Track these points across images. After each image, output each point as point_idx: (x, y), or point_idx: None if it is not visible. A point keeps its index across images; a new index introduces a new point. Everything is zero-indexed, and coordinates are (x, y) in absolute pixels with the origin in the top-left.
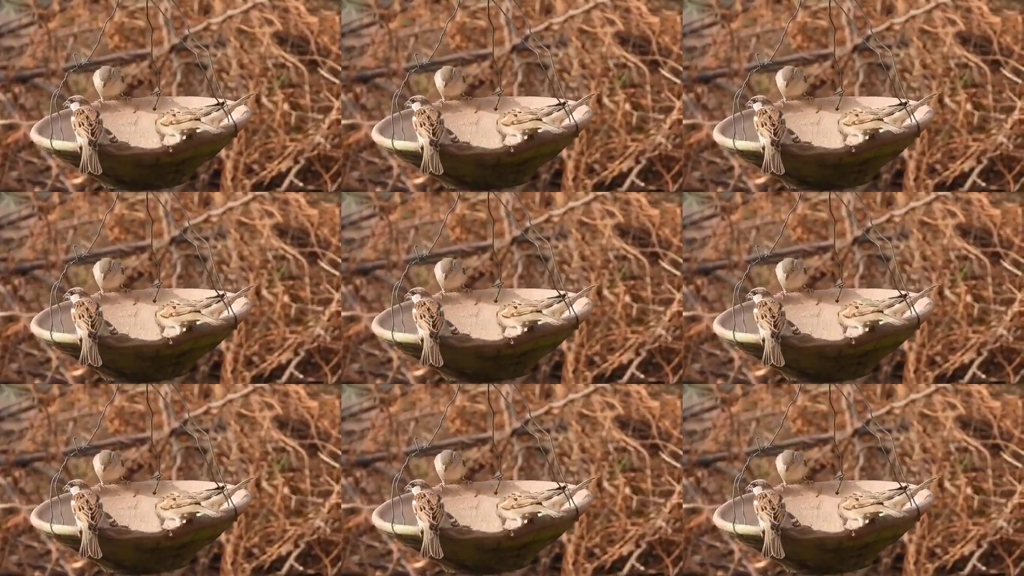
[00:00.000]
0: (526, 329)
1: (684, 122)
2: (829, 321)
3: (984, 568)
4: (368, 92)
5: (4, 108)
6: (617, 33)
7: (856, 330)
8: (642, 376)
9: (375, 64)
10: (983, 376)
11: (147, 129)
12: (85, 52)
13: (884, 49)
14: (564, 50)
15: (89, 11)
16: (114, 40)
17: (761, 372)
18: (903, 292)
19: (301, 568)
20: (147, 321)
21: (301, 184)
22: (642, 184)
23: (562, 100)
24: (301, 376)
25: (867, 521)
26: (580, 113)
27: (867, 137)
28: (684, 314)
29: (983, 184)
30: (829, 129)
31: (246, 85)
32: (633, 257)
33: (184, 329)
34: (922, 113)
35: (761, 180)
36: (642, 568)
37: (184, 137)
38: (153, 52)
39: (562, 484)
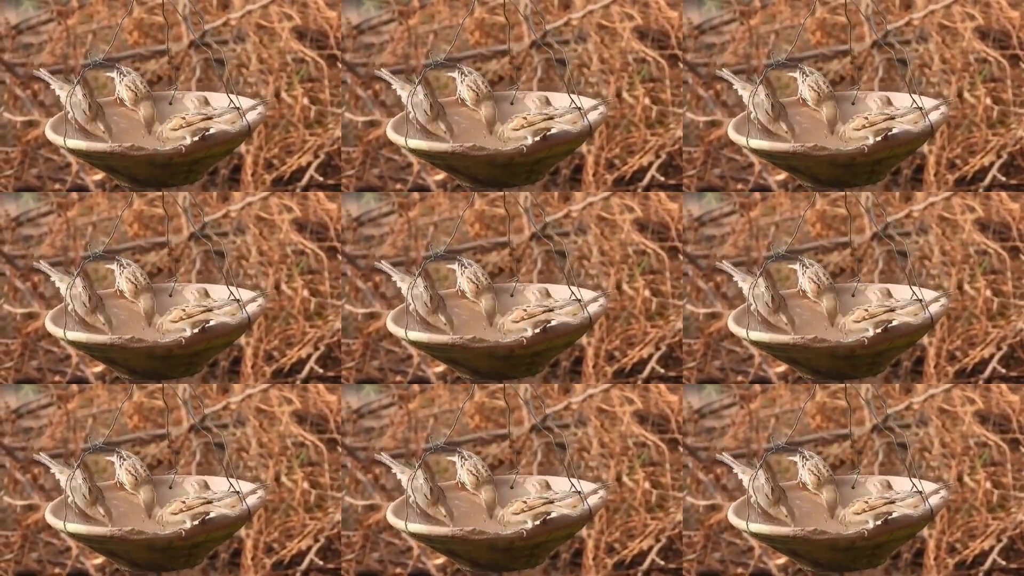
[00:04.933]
0: (538, 330)
1: (702, 119)
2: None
3: (1004, 563)
4: (388, 89)
5: (23, 105)
6: (636, 28)
7: (868, 332)
8: (662, 371)
9: (394, 61)
10: (1003, 371)
11: (155, 130)
12: (103, 48)
13: (897, 47)
14: (583, 45)
15: (108, 7)
16: (133, 36)
17: (781, 369)
18: (919, 297)
19: (321, 563)
20: (155, 322)
21: (321, 179)
22: (662, 179)
23: (577, 105)
24: (321, 371)
25: (880, 522)
26: (593, 116)
27: (879, 138)
28: (701, 311)
29: (1003, 179)
30: (836, 130)
31: (265, 80)
32: (652, 252)
33: (196, 330)
34: (936, 115)
35: (781, 177)
36: (662, 563)
37: (196, 138)
38: (171, 48)
39: (576, 489)
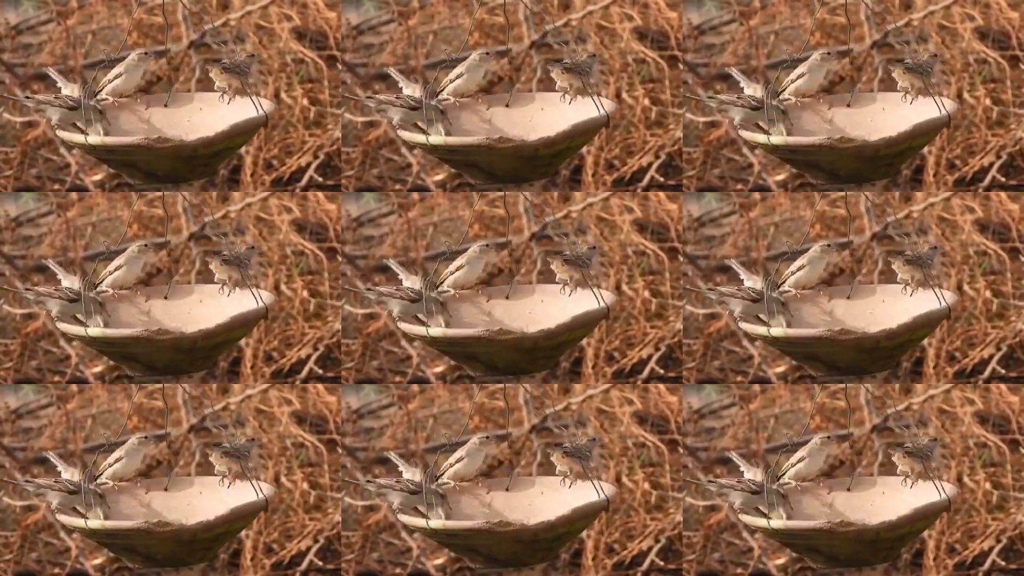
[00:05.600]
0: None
1: (701, 120)
2: (841, 318)
3: (1004, 563)
4: (388, 89)
5: (23, 105)
6: (635, 28)
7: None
8: (661, 372)
9: (394, 62)
10: (1002, 371)
11: (162, 123)
12: (104, 48)
13: (901, 47)
14: (583, 46)
15: (107, 8)
16: (132, 37)
17: (780, 369)
18: (934, 286)
19: (321, 563)
20: (162, 316)
21: (320, 180)
22: (661, 180)
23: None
24: (321, 372)
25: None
26: (607, 106)
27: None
28: (701, 312)
29: (1002, 179)
30: (842, 126)
31: (265, 80)
32: (652, 253)
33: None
34: (949, 106)
35: (781, 177)
36: (661, 563)
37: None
38: (172, 48)
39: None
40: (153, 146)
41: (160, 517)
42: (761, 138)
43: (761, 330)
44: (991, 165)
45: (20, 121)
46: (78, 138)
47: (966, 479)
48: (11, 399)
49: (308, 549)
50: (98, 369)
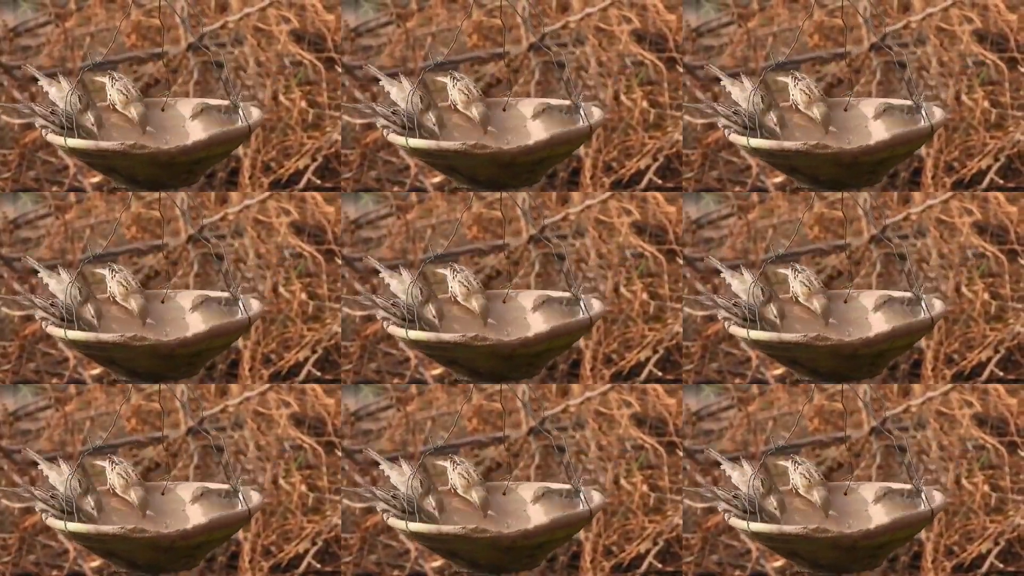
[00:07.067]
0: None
1: (700, 121)
2: (856, 320)
3: (1002, 566)
4: (386, 92)
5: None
6: (634, 30)
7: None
8: (659, 374)
9: (392, 64)
10: (1000, 374)
11: (161, 129)
12: (101, 51)
13: (899, 49)
14: (581, 48)
15: (106, 10)
16: (131, 39)
17: (779, 371)
18: (918, 293)
19: (319, 566)
20: (168, 321)
21: (319, 182)
22: (659, 182)
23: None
24: (319, 374)
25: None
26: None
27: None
28: (700, 314)
29: (1000, 181)
30: (858, 128)
31: (263, 83)
32: (650, 255)
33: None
34: (937, 115)
35: (779, 179)
36: (659, 566)
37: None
38: (170, 51)
39: (576, 488)
40: (130, 152)
41: (132, 524)
42: (743, 141)
43: (742, 333)
44: (989, 167)
45: (18, 123)
46: (59, 140)
47: (964, 481)
48: (9, 401)
49: (306, 552)
50: (96, 371)
